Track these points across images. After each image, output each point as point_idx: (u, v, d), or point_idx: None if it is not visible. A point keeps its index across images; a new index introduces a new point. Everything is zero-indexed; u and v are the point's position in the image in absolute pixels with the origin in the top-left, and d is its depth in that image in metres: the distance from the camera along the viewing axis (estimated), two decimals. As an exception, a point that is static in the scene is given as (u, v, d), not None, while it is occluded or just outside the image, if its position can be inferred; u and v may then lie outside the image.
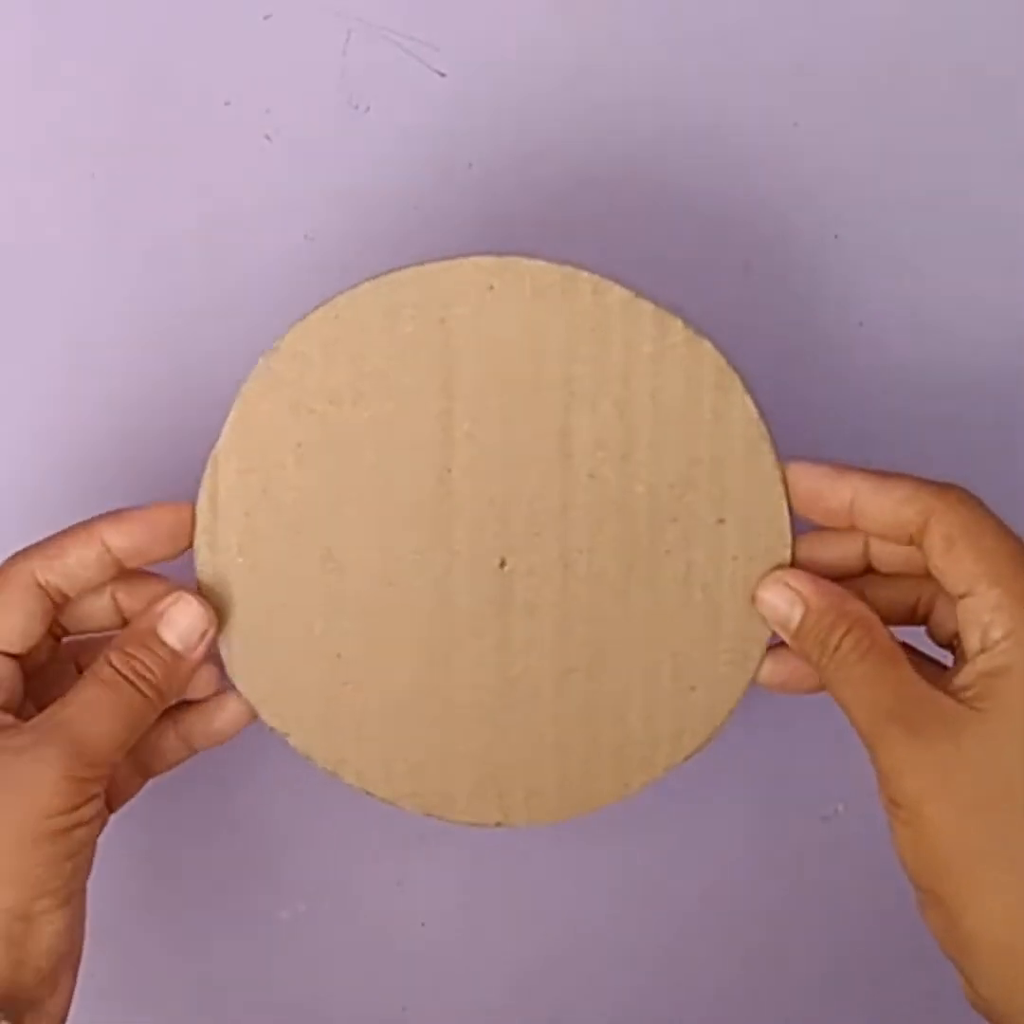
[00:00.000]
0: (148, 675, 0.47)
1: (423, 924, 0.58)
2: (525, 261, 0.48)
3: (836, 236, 0.56)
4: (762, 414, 0.49)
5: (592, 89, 0.55)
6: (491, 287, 0.48)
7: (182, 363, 0.56)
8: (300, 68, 0.55)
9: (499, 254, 0.48)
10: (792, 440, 0.56)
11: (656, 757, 0.51)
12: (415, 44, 0.55)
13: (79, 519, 0.55)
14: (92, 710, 0.46)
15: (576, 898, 0.59)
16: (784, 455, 0.49)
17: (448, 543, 0.49)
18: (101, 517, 0.48)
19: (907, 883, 0.45)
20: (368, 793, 0.50)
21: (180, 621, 0.48)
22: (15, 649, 0.47)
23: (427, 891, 0.58)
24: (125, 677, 0.46)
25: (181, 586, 0.49)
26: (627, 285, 0.48)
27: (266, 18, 0.55)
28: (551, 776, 0.51)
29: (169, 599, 0.48)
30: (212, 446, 0.48)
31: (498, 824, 0.51)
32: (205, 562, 0.49)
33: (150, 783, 0.51)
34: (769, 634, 0.50)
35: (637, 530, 0.49)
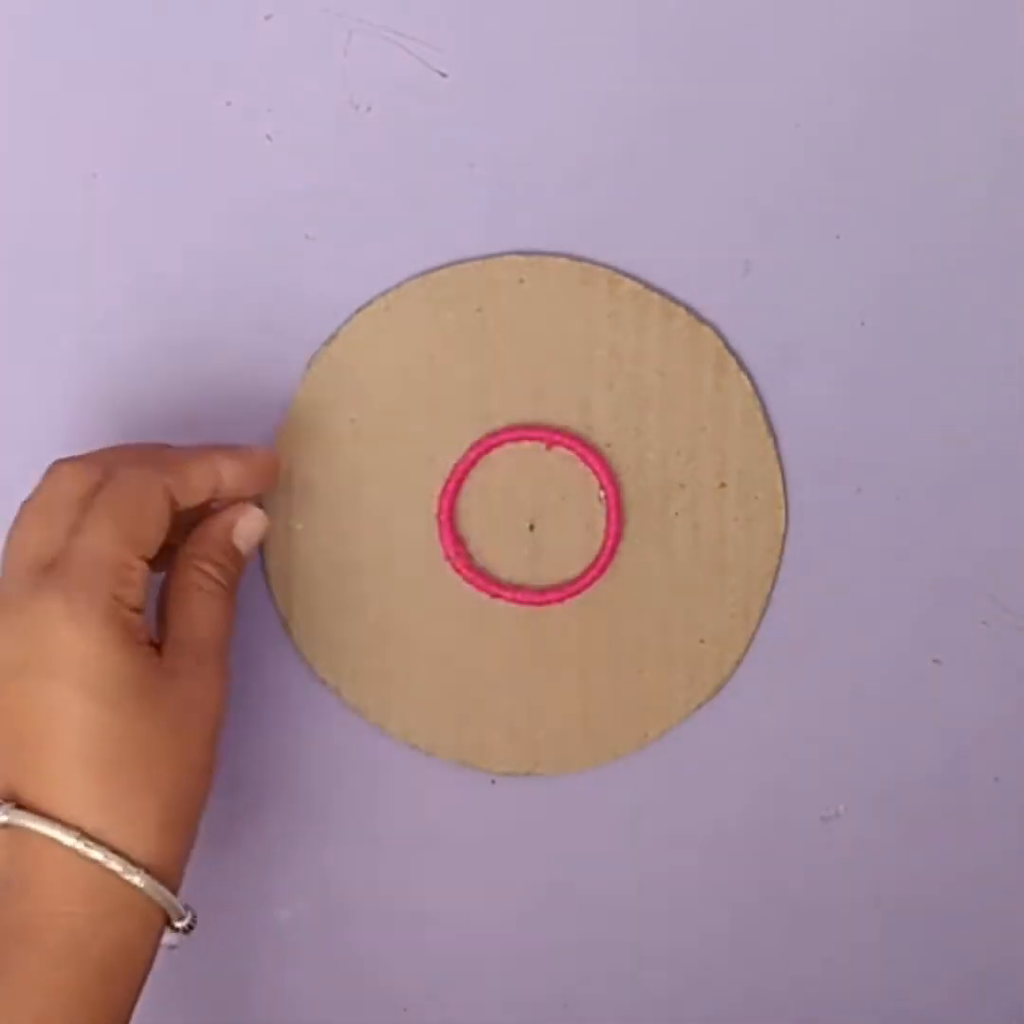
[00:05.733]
0: (231, 580, 0.52)
1: (423, 924, 0.58)
2: (550, 259, 0.55)
3: (836, 236, 0.56)
4: (756, 390, 0.56)
5: (592, 89, 0.55)
6: (521, 281, 0.55)
7: (183, 361, 0.56)
8: (301, 68, 0.55)
9: (526, 253, 0.55)
10: (793, 440, 0.56)
11: (672, 707, 0.56)
12: (416, 44, 0.55)
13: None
14: (217, 625, 0.51)
15: (576, 900, 0.58)
16: (788, 455, 0.55)
17: (485, 508, 0.55)
18: (217, 449, 0.52)
19: (907, 884, 0.46)
20: (412, 745, 0.56)
21: (253, 534, 0.53)
22: (150, 556, 0.49)
23: (427, 891, 0.58)
24: (228, 590, 0.51)
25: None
26: (636, 278, 0.55)
27: (267, 18, 0.55)
28: (577, 726, 0.56)
29: (236, 512, 0.52)
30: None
31: (528, 773, 0.56)
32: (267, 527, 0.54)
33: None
34: (770, 588, 0.56)
35: (649, 494, 0.55)
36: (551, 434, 0.55)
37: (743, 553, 0.56)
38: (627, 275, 0.55)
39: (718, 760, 0.57)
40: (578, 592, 0.55)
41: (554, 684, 0.56)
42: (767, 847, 0.58)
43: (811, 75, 0.56)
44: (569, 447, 0.55)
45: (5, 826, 0.46)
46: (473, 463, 0.55)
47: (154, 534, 0.49)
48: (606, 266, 0.55)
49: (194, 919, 0.49)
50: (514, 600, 0.55)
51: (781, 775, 0.58)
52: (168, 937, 0.48)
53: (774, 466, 0.56)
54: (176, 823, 0.48)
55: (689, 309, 0.55)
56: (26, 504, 0.49)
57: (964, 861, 0.58)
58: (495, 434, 0.55)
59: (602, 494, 0.55)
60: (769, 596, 0.56)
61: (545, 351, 0.55)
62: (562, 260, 0.55)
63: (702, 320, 0.55)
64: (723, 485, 0.56)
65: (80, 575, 0.47)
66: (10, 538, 0.49)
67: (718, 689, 0.56)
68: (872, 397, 0.57)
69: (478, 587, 0.55)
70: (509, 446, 0.55)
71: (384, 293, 0.55)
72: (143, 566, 0.48)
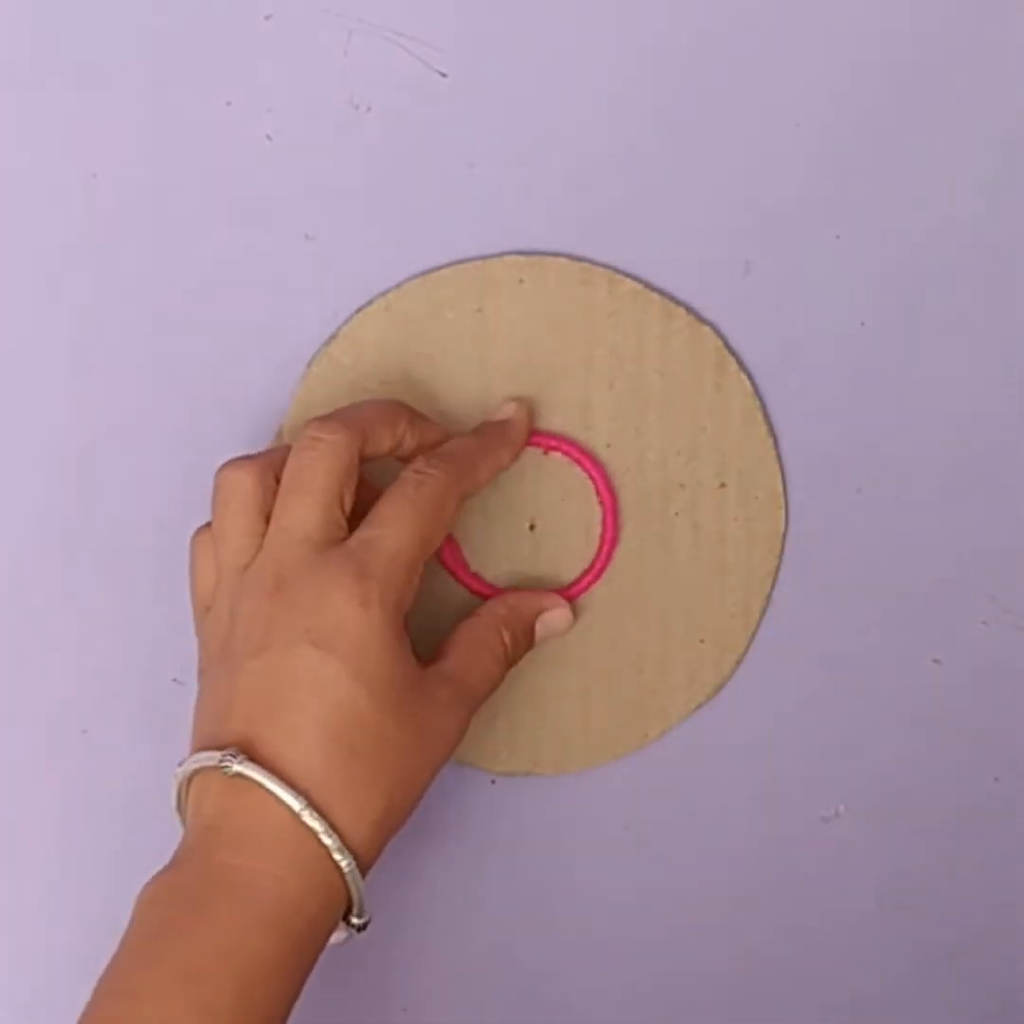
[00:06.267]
0: (519, 659, 0.54)
1: (423, 924, 0.58)
2: (550, 258, 0.55)
3: (836, 236, 0.56)
4: (756, 390, 0.55)
5: (592, 89, 0.55)
6: (521, 281, 0.55)
7: (183, 361, 0.56)
8: (301, 68, 0.55)
9: (526, 253, 0.55)
10: (793, 440, 0.56)
11: (671, 707, 0.56)
12: (416, 44, 0.55)
13: (85, 523, 0.56)
14: (489, 684, 0.52)
15: (576, 900, 0.58)
16: (788, 455, 0.55)
17: (484, 508, 0.55)
18: (488, 439, 0.53)
19: (907, 884, 0.46)
20: None
21: (556, 628, 0.55)
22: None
23: (427, 890, 0.58)
24: (510, 662, 0.53)
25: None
26: (636, 278, 0.55)
27: (267, 18, 0.55)
28: (577, 727, 0.56)
29: (551, 600, 0.55)
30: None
31: (528, 772, 0.56)
32: None
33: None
34: (770, 588, 0.56)
35: (649, 494, 0.55)
36: (547, 439, 0.55)
37: (743, 553, 0.56)
38: (627, 275, 0.55)
39: (718, 760, 0.57)
40: (578, 593, 0.55)
41: (554, 684, 0.56)
42: (767, 847, 0.58)
43: (811, 75, 0.56)
44: (566, 452, 0.55)
45: (236, 776, 0.46)
46: None
47: (441, 540, 0.50)
48: (606, 266, 0.55)
49: (369, 920, 0.49)
50: None
51: (781, 775, 0.58)
52: (335, 935, 0.49)
53: (774, 466, 0.56)
54: (385, 826, 0.48)
55: (689, 309, 0.55)
56: (292, 481, 0.49)
57: (964, 861, 0.58)
58: None
59: (599, 498, 0.55)
60: (769, 596, 0.56)
61: (545, 351, 0.55)
62: (562, 260, 0.55)
63: (702, 320, 0.55)
64: (723, 485, 0.55)
65: (377, 564, 0.48)
66: (288, 512, 0.49)
67: (718, 689, 0.56)
68: (872, 397, 0.57)
69: (474, 591, 0.55)
70: None
71: (384, 293, 0.55)
72: (421, 574, 0.50)
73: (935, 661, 0.57)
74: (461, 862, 0.58)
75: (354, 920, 0.49)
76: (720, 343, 0.55)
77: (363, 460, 0.50)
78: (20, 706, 0.56)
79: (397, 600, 0.48)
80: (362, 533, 0.49)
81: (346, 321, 0.55)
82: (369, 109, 0.55)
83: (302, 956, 0.47)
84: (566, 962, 0.59)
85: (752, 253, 0.56)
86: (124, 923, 0.56)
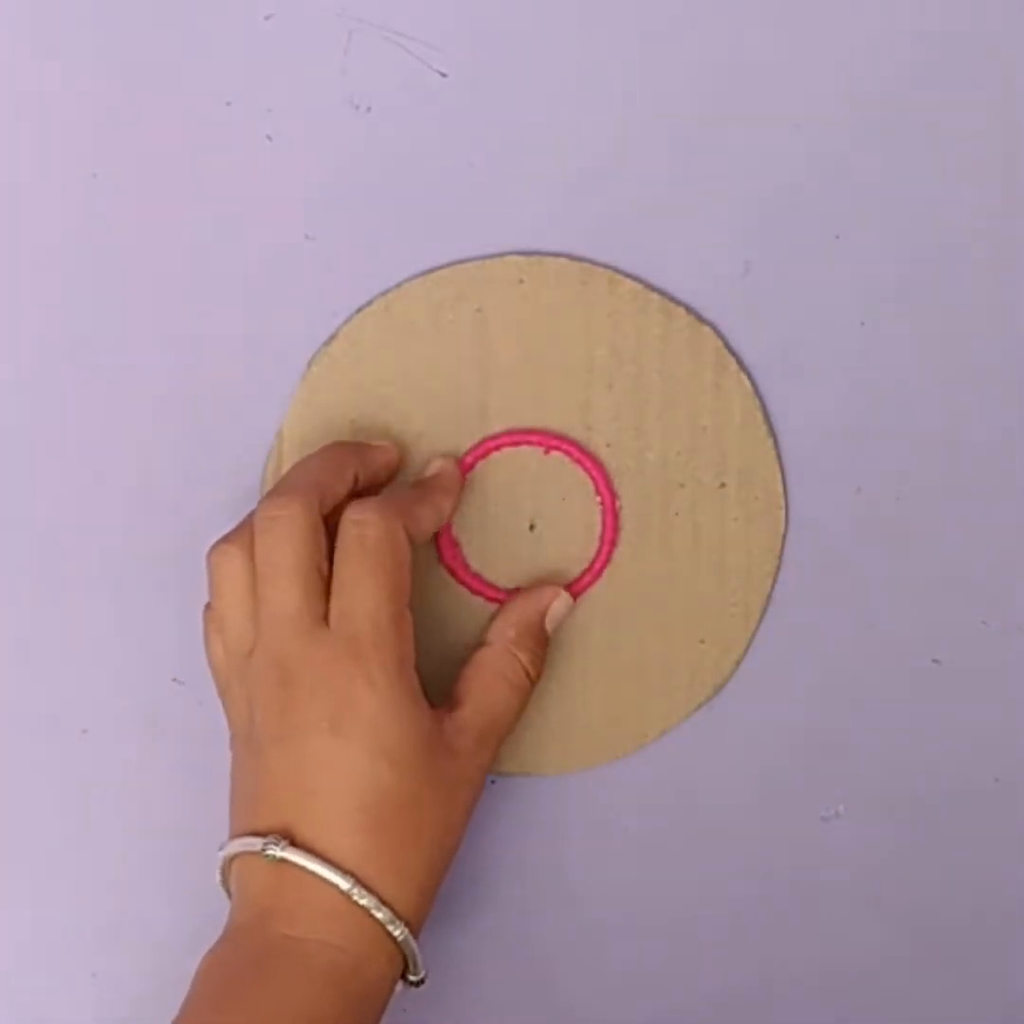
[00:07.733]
0: (541, 668, 0.54)
1: (423, 924, 0.58)
2: (550, 259, 0.55)
3: (836, 236, 0.56)
4: (756, 390, 0.55)
5: (592, 89, 0.55)
6: (521, 281, 0.55)
7: (183, 361, 0.56)
8: (301, 68, 0.55)
9: (526, 253, 0.55)
10: (793, 440, 0.56)
11: (671, 707, 0.56)
12: (416, 44, 0.55)
13: (85, 523, 0.56)
14: (511, 714, 0.53)
15: (576, 901, 0.58)
16: (788, 455, 0.55)
17: (484, 508, 0.55)
18: (440, 486, 0.54)
19: (907, 885, 0.45)
20: None
21: (562, 617, 0.54)
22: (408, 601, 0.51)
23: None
24: (534, 679, 0.53)
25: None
26: (636, 278, 0.55)
27: (267, 18, 0.55)
28: (577, 726, 0.56)
29: (550, 594, 0.54)
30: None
31: (528, 773, 0.56)
32: None
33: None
34: (770, 588, 0.56)
35: (649, 494, 0.55)
36: (548, 439, 0.55)
37: (743, 553, 0.56)
38: (627, 275, 0.55)
39: (718, 760, 0.57)
40: (578, 593, 0.55)
41: (554, 684, 0.55)
42: (767, 847, 0.58)
43: (811, 75, 0.56)
44: (566, 452, 0.55)
45: (280, 861, 0.47)
46: (470, 466, 0.55)
47: (409, 577, 0.50)
48: (606, 266, 0.55)
49: (426, 976, 0.50)
50: None
51: (780, 775, 0.58)
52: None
53: (774, 466, 0.56)
54: (430, 883, 0.50)
55: (689, 309, 0.55)
56: (264, 567, 0.49)
57: (964, 861, 0.58)
58: (492, 438, 0.55)
59: (599, 498, 0.55)
60: (769, 596, 0.56)
61: (545, 351, 0.55)
62: (562, 260, 0.55)
63: (702, 320, 0.55)
64: (723, 485, 0.55)
65: (364, 634, 0.49)
66: (269, 599, 0.49)
67: (718, 689, 0.56)
68: (872, 397, 0.57)
69: (474, 590, 0.55)
70: (507, 450, 0.55)
71: (384, 293, 0.55)
72: (409, 615, 0.50)
73: (935, 661, 0.57)
74: (461, 862, 0.58)
75: (411, 978, 0.50)
76: (720, 343, 0.55)
77: (325, 517, 0.50)
78: (20, 706, 0.56)
79: (398, 660, 0.49)
80: (335, 606, 0.49)
81: (346, 321, 0.55)
82: (369, 109, 0.55)
83: (363, 1016, 0.48)
84: (566, 962, 0.59)
85: (752, 253, 0.56)
86: (121, 927, 0.56)
